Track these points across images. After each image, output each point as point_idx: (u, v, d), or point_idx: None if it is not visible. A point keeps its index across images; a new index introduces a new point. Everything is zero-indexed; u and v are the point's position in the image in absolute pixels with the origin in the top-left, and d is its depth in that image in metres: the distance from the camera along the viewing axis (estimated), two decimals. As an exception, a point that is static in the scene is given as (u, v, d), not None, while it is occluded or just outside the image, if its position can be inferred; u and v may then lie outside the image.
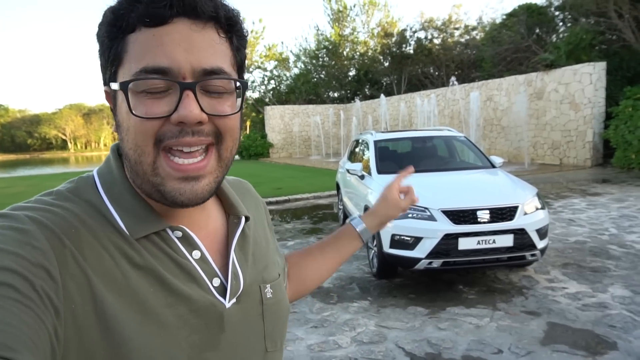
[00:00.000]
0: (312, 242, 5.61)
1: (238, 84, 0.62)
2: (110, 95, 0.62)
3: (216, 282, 0.66)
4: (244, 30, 0.63)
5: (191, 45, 0.56)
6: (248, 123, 37.71)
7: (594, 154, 13.25)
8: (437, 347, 3.24)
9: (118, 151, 0.67)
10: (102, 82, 0.64)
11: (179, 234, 0.64)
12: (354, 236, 1.02)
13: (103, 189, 0.63)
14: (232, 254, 0.69)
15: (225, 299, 0.65)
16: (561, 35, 18.69)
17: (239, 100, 0.62)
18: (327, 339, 3.45)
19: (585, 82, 13.21)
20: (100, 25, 0.59)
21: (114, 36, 0.57)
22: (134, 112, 0.56)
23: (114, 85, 0.58)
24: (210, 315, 0.62)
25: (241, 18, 0.62)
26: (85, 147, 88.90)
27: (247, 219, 0.75)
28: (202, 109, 0.56)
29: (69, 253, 0.54)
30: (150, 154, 0.57)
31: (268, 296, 0.72)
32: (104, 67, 0.60)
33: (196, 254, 0.65)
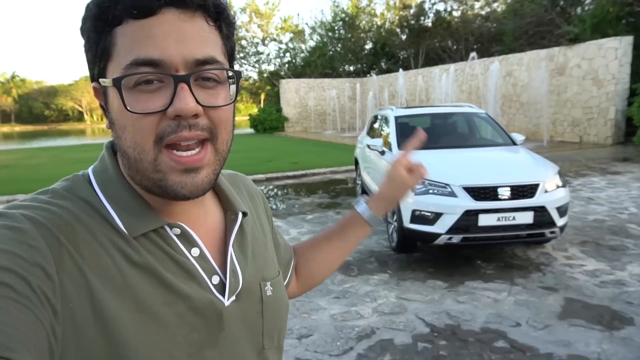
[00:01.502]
0: (331, 216, 5.71)
1: (231, 73, 0.61)
2: (100, 92, 0.60)
3: (215, 279, 0.65)
4: (232, 18, 0.62)
5: (182, 35, 0.55)
6: (262, 96, 37.60)
7: (615, 132, 13.02)
8: (456, 319, 3.35)
9: (112, 148, 0.66)
10: (90, 79, 0.62)
11: (178, 231, 0.63)
12: (361, 223, 0.96)
13: (99, 187, 0.62)
14: (231, 251, 0.69)
15: (224, 296, 0.65)
16: (587, 8, 18.08)
17: (233, 87, 0.62)
18: (350, 309, 3.58)
19: (610, 58, 12.86)
20: (85, 20, 0.58)
21: (100, 30, 0.56)
22: (129, 108, 0.55)
23: (105, 82, 0.57)
24: (210, 313, 0.62)
25: (228, 5, 0.61)
26: (102, 119, 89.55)
27: (245, 214, 0.74)
28: (197, 102, 0.55)
29: (66, 251, 0.53)
30: (150, 152, 0.56)
31: (268, 294, 0.72)
32: (92, 63, 0.59)
33: (195, 251, 0.64)
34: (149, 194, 0.62)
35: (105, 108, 0.61)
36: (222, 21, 0.60)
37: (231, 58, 0.64)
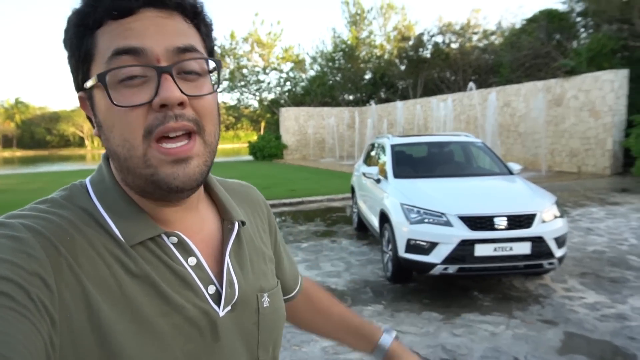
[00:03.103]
0: (326, 244, 5.61)
1: (212, 66, 0.62)
2: (86, 99, 0.61)
3: (211, 289, 0.64)
4: (209, 18, 0.64)
5: (161, 28, 0.56)
6: (262, 124, 37.93)
7: (613, 163, 13.02)
8: (452, 353, 3.22)
9: (109, 159, 0.66)
10: (75, 89, 0.63)
11: (175, 239, 0.63)
12: (370, 343, 0.93)
13: (96, 196, 0.62)
14: (227, 261, 0.68)
15: (219, 307, 0.64)
16: (582, 42, 18.42)
17: (214, 79, 0.63)
18: (341, 341, 3.44)
19: (606, 90, 13.00)
20: (67, 30, 0.59)
21: (82, 34, 0.57)
22: (115, 102, 0.55)
23: (89, 83, 0.57)
24: (205, 323, 0.62)
25: (205, 7, 0.63)
26: (101, 144, 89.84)
27: (243, 223, 0.73)
28: (181, 91, 0.56)
29: (65, 261, 0.53)
30: (139, 147, 0.56)
31: (265, 305, 0.71)
32: (76, 70, 0.60)
33: (192, 260, 0.64)
34: (145, 200, 0.62)
35: (91, 117, 0.61)
36: (200, 21, 0.62)
37: (211, 56, 0.64)
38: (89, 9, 0.56)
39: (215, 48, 0.68)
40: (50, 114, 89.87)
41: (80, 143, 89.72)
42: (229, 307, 0.65)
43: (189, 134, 0.58)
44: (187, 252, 0.64)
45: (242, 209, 0.77)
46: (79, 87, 0.60)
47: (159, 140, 0.56)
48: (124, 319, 0.55)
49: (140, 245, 0.60)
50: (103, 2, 0.55)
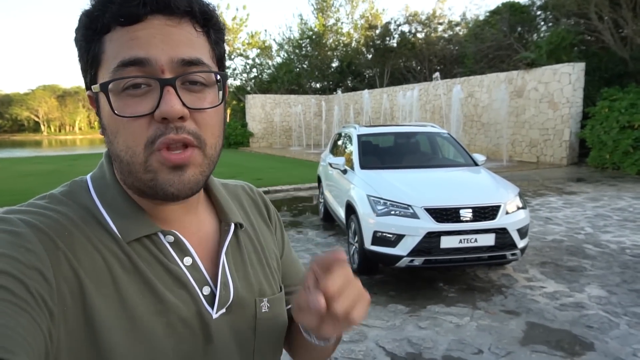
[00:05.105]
0: (292, 235, 5.49)
1: (219, 77, 0.61)
2: (94, 99, 0.61)
3: (206, 290, 0.64)
4: (221, 24, 0.62)
5: (168, 38, 0.56)
6: (229, 111, 37.26)
7: (570, 153, 13.51)
8: (417, 346, 3.21)
9: (110, 157, 0.66)
10: (85, 84, 0.63)
11: (171, 238, 0.63)
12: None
13: (96, 192, 0.63)
14: (222, 263, 0.67)
15: (213, 309, 0.63)
16: (542, 35, 18.91)
17: (220, 93, 0.62)
18: (307, 337, 3.38)
19: (564, 82, 13.41)
20: (77, 30, 0.59)
21: (90, 38, 0.57)
22: (116, 112, 0.55)
23: (95, 88, 0.57)
24: (197, 324, 0.61)
25: (217, 12, 0.61)
26: (59, 130, 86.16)
27: (241, 226, 0.72)
28: (183, 104, 0.55)
29: (63, 255, 0.54)
30: (141, 154, 0.57)
31: (263, 310, 0.69)
32: (84, 71, 0.60)
33: (187, 260, 0.64)
34: (143, 199, 0.62)
35: (98, 114, 0.61)
36: (211, 27, 0.60)
37: (220, 63, 0.63)
38: (97, 12, 0.56)
39: None
40: (2, 97, 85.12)
41: (36, 128, 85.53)
42: (223, 310, 0.64)
43: (187, 145, 0.58)
44: (183, 251, 0.64)
45: (243, 211, 0.77)
46: (87, 87, 0.61)
47: (161, 150, 0.56)
48: (117, 315, 0.55)
49: (136, 242, 0.60)
50: (111, 7, 0.55)
